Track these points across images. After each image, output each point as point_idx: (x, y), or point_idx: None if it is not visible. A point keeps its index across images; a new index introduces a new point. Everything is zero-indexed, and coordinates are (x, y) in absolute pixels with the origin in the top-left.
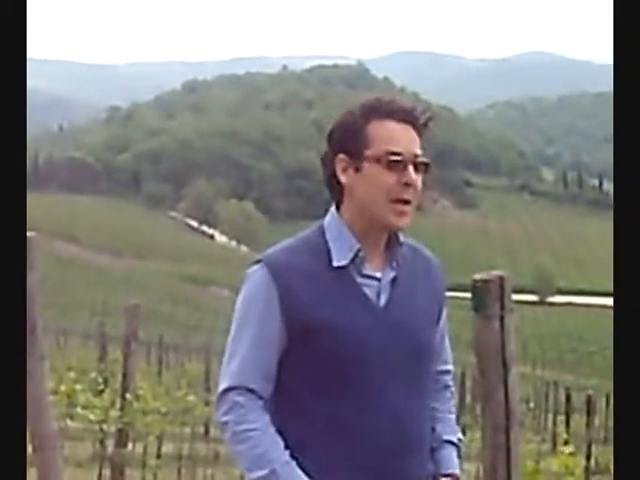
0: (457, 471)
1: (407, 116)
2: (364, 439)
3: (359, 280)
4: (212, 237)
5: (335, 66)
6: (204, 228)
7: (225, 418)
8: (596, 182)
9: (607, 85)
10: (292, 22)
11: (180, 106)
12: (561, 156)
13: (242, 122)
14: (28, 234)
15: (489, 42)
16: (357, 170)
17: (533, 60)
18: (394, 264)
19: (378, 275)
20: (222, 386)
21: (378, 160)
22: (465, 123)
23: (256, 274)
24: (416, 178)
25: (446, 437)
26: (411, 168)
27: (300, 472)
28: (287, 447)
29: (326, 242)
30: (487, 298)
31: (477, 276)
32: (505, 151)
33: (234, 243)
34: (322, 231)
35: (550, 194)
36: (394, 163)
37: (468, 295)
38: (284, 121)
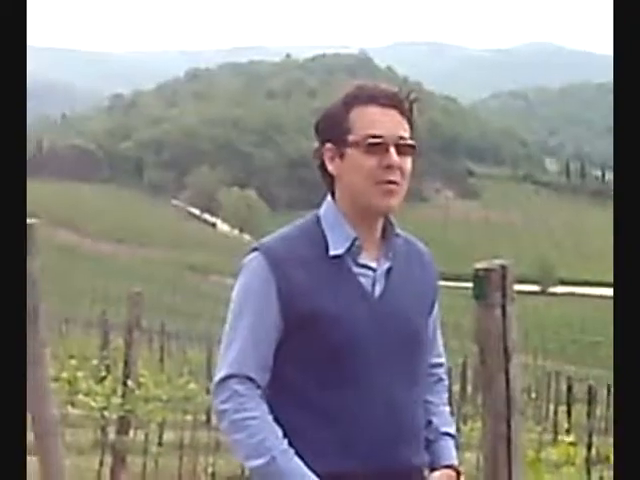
0: (455, 462)
1: (390, 100)
2: (358, 427)
3: (355, 269)
4: (214, 225)
5: (338, 55)
6: (206, 216)
7: (223, 406)
8: (599, 173)
9: (610, 76)
10: (293, 12)
11: (183, 94)
12: (564, 146)
13: (245, 110)
14: (30, 221)
15: (492, 32)
16: (342, 157)
17: (536, 50)
18: (390, 255)
19: (373, 265)
20: (220, 374)
21: (358, 145)
22: (468, 113)
23: (253, 263)
24: (398, 159)
25: (443, 429)
26: (392, 150)
27: (298, 460)
28: (284, 435)
29: (322, 231)
30: (489, 287)
31: (479, 265)
32: (508, 141)
33: (236, 231)
34: (318, 220)
35: (553, 184)
36: (374, 146)
37: (470, 285)
38: (287, 110)
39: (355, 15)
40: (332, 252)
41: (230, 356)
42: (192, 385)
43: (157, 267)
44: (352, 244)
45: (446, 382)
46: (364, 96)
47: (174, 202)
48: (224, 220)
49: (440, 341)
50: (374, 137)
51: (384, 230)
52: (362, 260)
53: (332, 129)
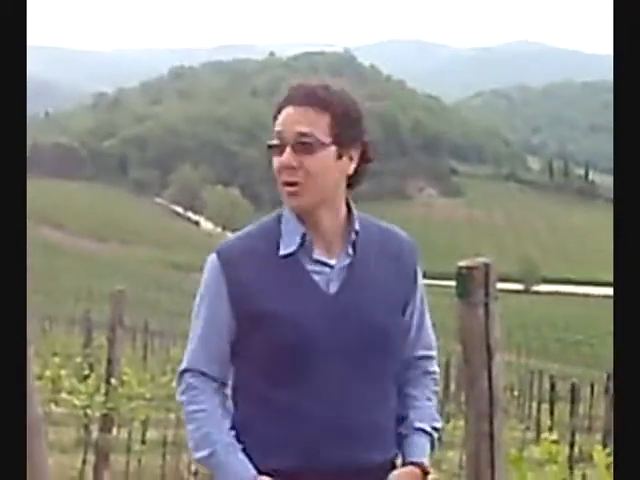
0: (425, 460)
1: (305, 98)
2: (299, 423)
3: (309, 267)
4: (198, 223)
5: (322, 53)
6: (190, 214)
7: (181, 398)
8: (582, 171)
9: (593, 74)
10: (279, 10)
11: (166, 92)
12: (547, 145)
13: (229, 108)
14: None
15: (476, 31)
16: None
17: (519, 49)
18: (349, 250)
19: (332, 262)
20: (180, 367)
21: (269, 147)
22: (451, 112)
23: (209, 264)
24: (285, 159)
25: (418, 425)
26: (288, 150)
27: (241, 455)
28: (233, 428)
29: (280, 229)
30: (472, 285)
31: (462, 263)
32: (491, 140)
33: (220, 229)
34: (280, 217)
35: (536, 183)
36: (276, 148)
37: (453, 283)
38: (271, 108)
39: (341, 13)
40: (282, 251)
41: (187, 351)
42: (175, 383)
43: (141, 265)
44: (303, 240)
45: (434, 375)
46: (286, 97)
47: (158, 200)
48: (208, 218)
49: (428, 332)
50: (273, 139)
51: (349, 226)
52: (317, 256)
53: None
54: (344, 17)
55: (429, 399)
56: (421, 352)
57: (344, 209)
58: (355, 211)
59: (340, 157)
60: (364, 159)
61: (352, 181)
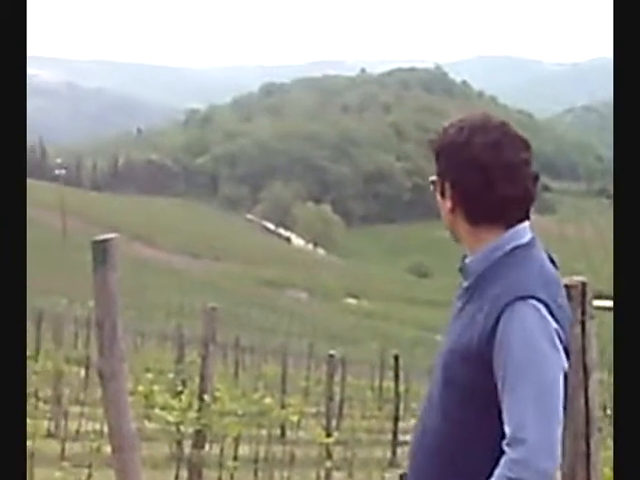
0: None
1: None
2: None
3: None
4: (289, 240)
5: (413, 69)
6: (281, 231)
7: None
8: None
9: None
10: (370, 26)
11: (258, 109)
12: None
13: (320, 125)
14: (110, 236)
15: (564, 46)
16: None
17: (609, 64)
18: (466, 284)
19: None
20: None
21: None
22: (543, 128)
23: None
24: (438, 201)
25: None
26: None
27: None
28: None
29: None
30: (569, 303)
31: None
32: (584, 156)
33: (311, 246)
34: None
35: None
36: None
37: None
38: (362, 124)
39: (431, 29)
40: None
41: None
42: (267, 399)
43: (232, 281)
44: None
45: (506, 458)
46: None
47: (249, 216)
48: (299, 234)
49: (513, 407)
50: None
51: None
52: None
53: None
54: (435, 33)
55: None
56: (506, 427)
57: (473, 244)
58: (484, 248)
59: (442, 194)
60: (459, 197)
61: (469, 218)
